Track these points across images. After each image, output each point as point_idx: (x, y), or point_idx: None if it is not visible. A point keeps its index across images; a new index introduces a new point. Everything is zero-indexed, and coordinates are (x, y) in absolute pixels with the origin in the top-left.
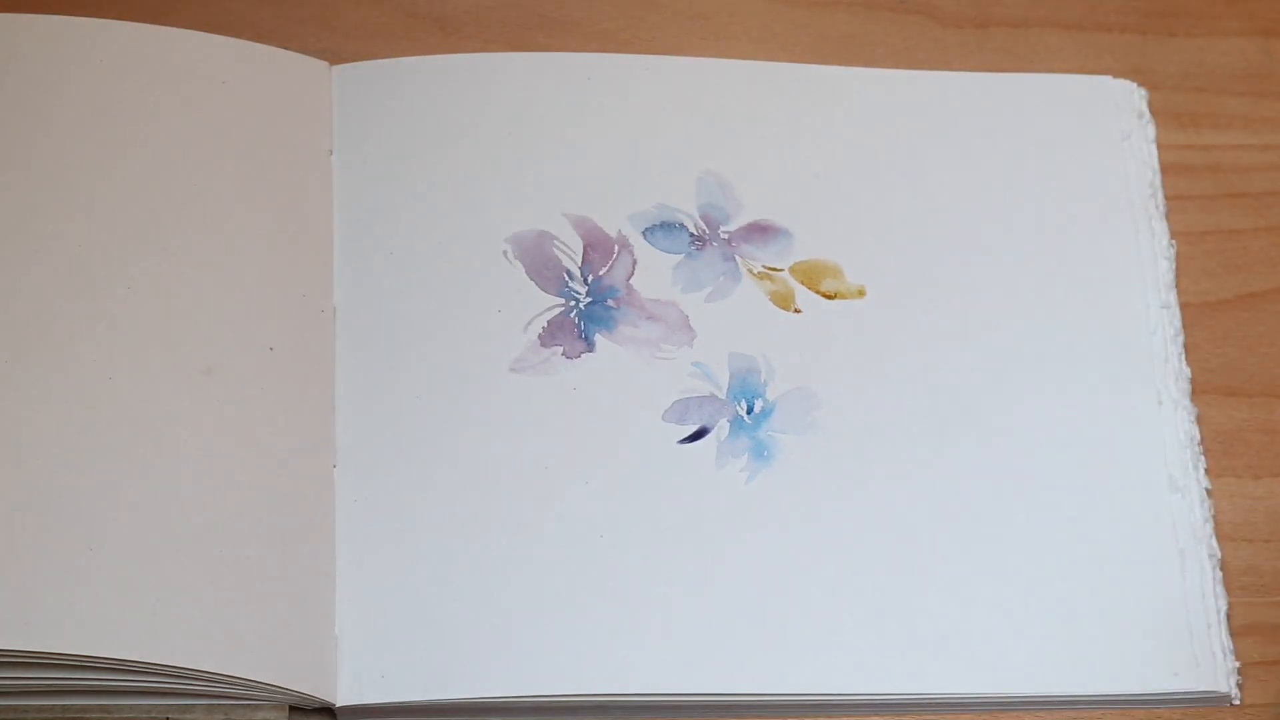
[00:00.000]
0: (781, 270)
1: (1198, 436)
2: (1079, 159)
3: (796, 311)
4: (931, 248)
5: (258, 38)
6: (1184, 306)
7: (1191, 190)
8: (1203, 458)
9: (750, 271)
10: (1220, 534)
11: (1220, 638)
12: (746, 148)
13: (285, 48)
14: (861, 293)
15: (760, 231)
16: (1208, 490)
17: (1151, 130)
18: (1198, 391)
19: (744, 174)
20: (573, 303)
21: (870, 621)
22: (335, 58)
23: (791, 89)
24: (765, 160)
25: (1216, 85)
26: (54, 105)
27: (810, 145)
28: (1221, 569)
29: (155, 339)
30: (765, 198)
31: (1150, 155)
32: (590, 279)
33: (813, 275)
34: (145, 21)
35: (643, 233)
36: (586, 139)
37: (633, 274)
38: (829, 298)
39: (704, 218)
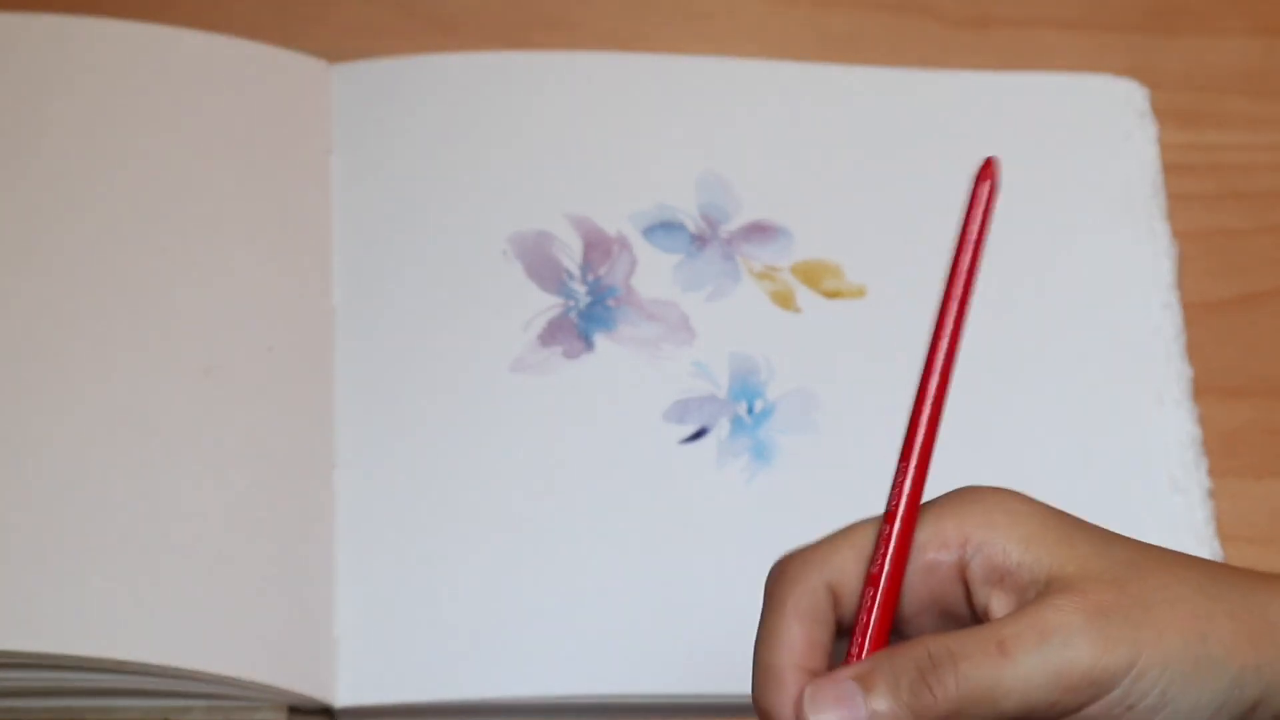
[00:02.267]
0: (782, 270)
1: (1199, 436)
2: (1080, 158)
3: (797, 311)
4: (932, 247)
5: (257, 37)
6: (1185, 306)
7: (1193, 190)
8: (1204, 458)
9: (750, 271)
10: (1222, 534)
11: None
12: (746, 147)
13: (285, 47)
14: (862, 292)
15: (760, 231)
16: (1209, 490)
17: (1153, 129)
18: (1199, 391)
19: (744, 173)
20: (572, 302)
21: None
22: (334, 57)
23: (792, 88)
24: (765, 159)
25: (1218, 84)
26: (53, 104)
27: (810, 144)
28: None
29: (155, 339)
30: (765, 197)
31: (1151, 155)
32: (590, 278)
33: (813, 275)
34: (145, 21)
35: (642, 232)
36: (586, 138)
37: (632, 273)
38: (830, 297)
39: (704, 217)
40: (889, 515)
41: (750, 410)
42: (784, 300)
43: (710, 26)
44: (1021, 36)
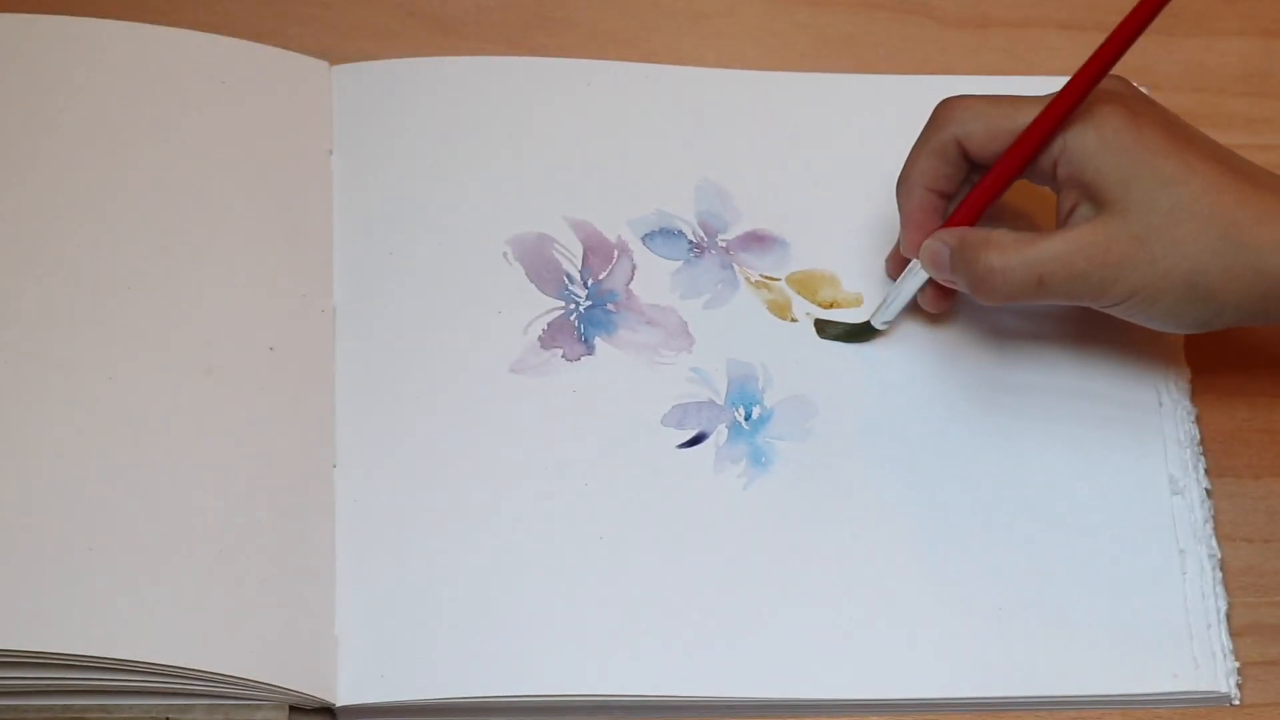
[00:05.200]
0: (779, 279)
1: (1197, 436)
2: None
3: (793, 320)
4: None
5: (258, 38)
6: None
7: None
8: (1203, 458)
9: (748, 280)
10: (1220, 534)
11: (1220, 638)
12: (745, 157)
13: (285, 48)
14: (860, 301)
15: (758, 241)
16: (1208, 490)
17: None
18: (1198, 391)
19: (742, 183)
20: (573, 305)
21: (868, 625)
22: (335, 58)
23: (789, 98)
24: (763, 169)
25: (1217, 85)
26: (54, 105)
27: (808, 154)
28: (1221, 569)
29: (155, 339)
30: (763, 207)
31: None
32: (590, 282)
33: (809, 285)
34: (145, 21)
35: (642, 238)
36: (586, 144)
37: (632, 279)
38: (827, 307)
39: (702, 225)
40: (1023, 139)
41: (748, 416)
42: (781, 309)
43: (710, 27)
44: (1021, 37)
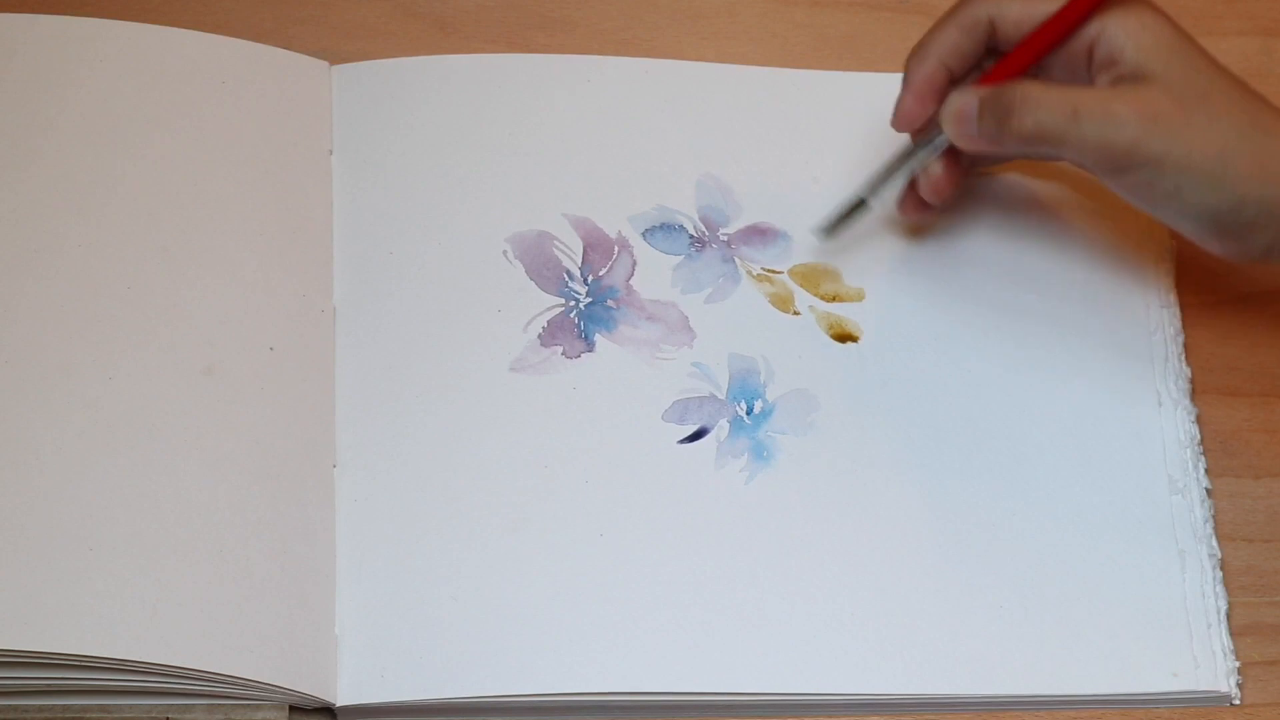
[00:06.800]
0: (780, 273)
1: (1198, 436)
2: None
3: (795, 314)
4: (930, 250)
5: (258, 38)
6: (1184, 306)
7: None
8: (1203, 458)
9: (750, 273)
10: (1220, 534)
11: (1220, 638)
12: (745, 151)
13: (285, 48)
14: (861, 295)
15: (759, 234)
16: (1208, 490)
17: None
18: (1198, 391)
19: (743, 177)
20: (573, 303)
21: (870, 622)
22: (335, 58)
23: (790, 93)
24: (764, 164)
25: None
26: (54, 105)
27: (808, 149)
28: (1221, 569)
29: (155, 339)
30: (764, 201)
31: None
32: (590, 279)
33: (811, 278)
34: (145, 21)
35: (642, 234)
36: (586, 141)
37: (632, 274)
38: (829, 300)
39: (703, 220)
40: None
41: (749, 411)
42: (783, 303)
43: (709, 27)
44: None
